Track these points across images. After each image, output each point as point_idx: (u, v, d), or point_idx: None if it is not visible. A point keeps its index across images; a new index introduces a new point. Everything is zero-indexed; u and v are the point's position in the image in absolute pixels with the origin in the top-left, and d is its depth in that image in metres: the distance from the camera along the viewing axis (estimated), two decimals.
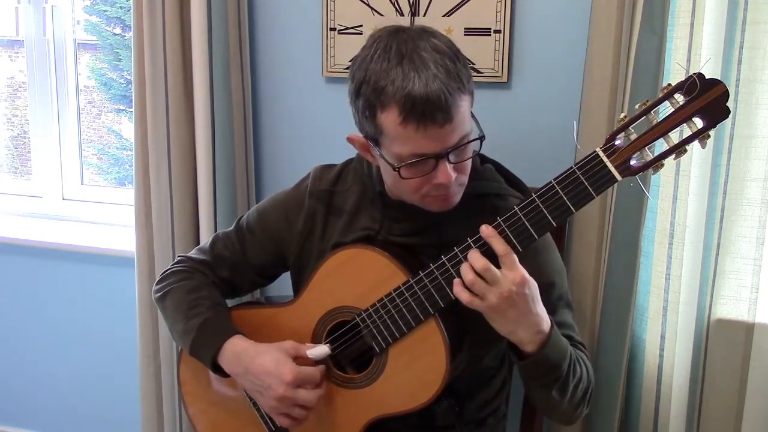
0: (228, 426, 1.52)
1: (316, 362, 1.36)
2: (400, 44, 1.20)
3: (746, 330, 1.68)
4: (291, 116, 2.07)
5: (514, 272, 1.20)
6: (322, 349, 1.36)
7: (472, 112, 1.25)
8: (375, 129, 1.23)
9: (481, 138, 1.25)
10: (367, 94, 1.21)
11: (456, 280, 1.23)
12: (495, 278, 1.19)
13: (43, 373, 2.51)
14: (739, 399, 1.71)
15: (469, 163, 1.29)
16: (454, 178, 1.24)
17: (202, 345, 1.40)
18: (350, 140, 1.34)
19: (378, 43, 1.23)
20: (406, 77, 1.17)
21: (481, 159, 1.43)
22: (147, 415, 2.20)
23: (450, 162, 1.22)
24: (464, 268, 1.22)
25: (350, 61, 1.29)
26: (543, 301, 1.27)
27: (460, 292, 1.22)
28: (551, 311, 1.30)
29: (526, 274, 1.21)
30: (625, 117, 1.15)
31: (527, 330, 1.24)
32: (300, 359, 1.34)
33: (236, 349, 1.37)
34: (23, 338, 2.51)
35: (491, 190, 1.39)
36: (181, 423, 2.17)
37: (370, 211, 1.42)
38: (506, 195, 1.39)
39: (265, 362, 1.33)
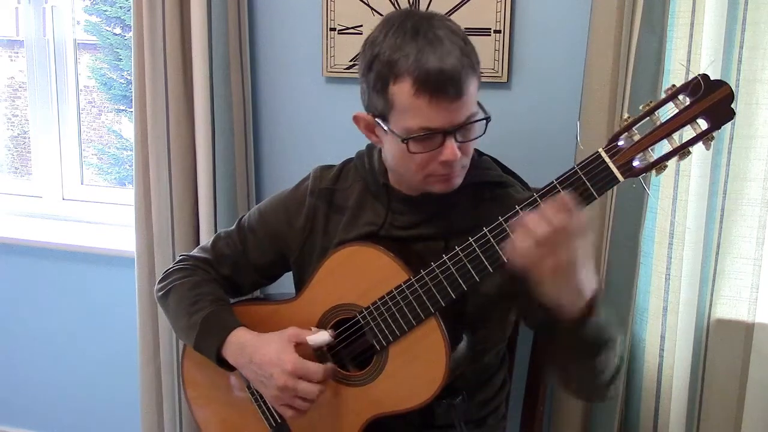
0: (230, 420, 1.52)
1: (315, 348, 1.36)
2: (415, 23, 1.23)
3: (746, 330, 1.69)
4: (291, 116, 2.07)
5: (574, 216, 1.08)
6: (322, 336, 1.36)
7: (478, 102, 1.26)
8: (385, 103, 1.24)
9: (487, 119, 1.26)
10: (380, 67, 1.23)
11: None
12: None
13: (43, 373, 2.51)
14: (739, 399, 1.71)
15: (472, 146, 1.30)
16: (459, 157, 1.25)
17: (206, 339, 1.40)
18: (356, 119, 1.34)
19: (391, 22, 1.25)
20: (421, 51, 1.19)
21: (478, 153, 1.44)
22: (147, 415, 2.20)
23: (456, 140, 1.24)
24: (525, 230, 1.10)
25: (350, 61, 1.29)
26: None
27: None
28: None
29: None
30: (629, 117, 1.15)
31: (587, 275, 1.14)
32: (301, 346, 1.34)
33: (240, 341, 1.38)
34: (23, 338, 2.50)
35: (491, 179, 1.40)
36: (181, 423, 2.17)
37: (373, 205, 1.42)
38: (506, 183, 1.41)
39: (267, 352, 1.34)
